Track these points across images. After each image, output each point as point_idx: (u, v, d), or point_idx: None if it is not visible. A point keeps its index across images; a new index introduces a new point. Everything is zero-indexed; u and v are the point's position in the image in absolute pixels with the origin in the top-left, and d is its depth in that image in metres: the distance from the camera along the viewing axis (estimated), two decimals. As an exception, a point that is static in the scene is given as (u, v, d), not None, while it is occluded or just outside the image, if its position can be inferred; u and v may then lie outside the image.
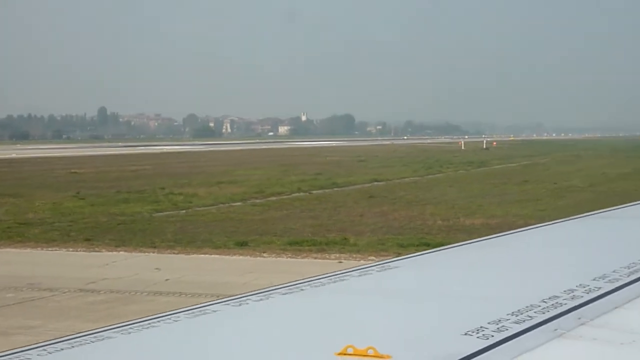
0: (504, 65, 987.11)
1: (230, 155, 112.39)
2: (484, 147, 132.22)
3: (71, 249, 24.80)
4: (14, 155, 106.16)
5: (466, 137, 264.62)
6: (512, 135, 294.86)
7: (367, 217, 32.10)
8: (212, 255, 22.99)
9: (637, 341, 2.85)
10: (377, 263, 4.52)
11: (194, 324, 3.23)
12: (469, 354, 2.59)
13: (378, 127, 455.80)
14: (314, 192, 46.02)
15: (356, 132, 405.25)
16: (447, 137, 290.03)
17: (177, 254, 23.58)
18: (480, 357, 2.59)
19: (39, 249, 25.11)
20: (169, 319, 3.29)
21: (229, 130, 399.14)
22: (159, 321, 3.22)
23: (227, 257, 22.75)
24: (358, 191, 46.97)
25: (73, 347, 2.90)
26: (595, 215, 6.74)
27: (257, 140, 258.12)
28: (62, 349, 2.87)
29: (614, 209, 7.07)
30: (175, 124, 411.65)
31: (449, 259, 4.92)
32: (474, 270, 4.44)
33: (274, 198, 42.06)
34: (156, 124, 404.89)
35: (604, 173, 61.67)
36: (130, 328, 3.12)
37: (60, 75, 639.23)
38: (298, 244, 23.92)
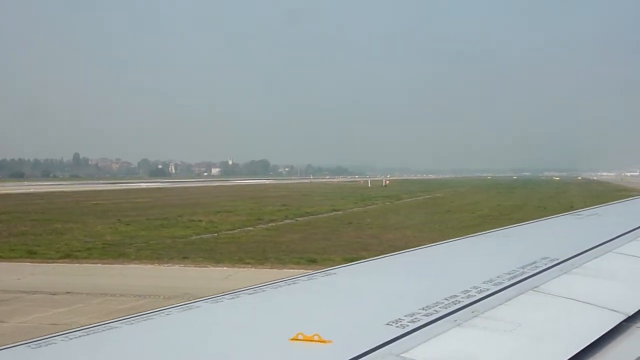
0: (382, 117, 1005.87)
1: (199, 190, 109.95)
2: (384, 184, 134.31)
3: (181, 265, 23.97)
4: (32, 190, 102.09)
5: (357, 176, 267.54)
6: (388, 175, 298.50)
7: (368, 238, 32.34)
8: (300, 270, 22.16)
9: (516, 329, 2.99)
10: (322, 270, 4.55)
11: (180, 319, 3.27)
12: (390, 339, 2.70)
13: (286, 169, 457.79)
14: (298, 219, 46.00)
15: (271, 173, 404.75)
16: (342, 177, 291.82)
17: (271, 268, 22.96)
18: (398, 342, 2.68)
19: (152, 264, 24.17)
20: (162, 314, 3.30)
21: (174, 171, 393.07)
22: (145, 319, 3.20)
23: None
24: (332, 218, 46.95)
25: (74, 338, 2.86)
26: (490, 233, 7.01)
27: (201, 179, 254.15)
28: (80, 336, 2.88)
29: (503, 229, 7.34)
30: (132, 166, 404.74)
31: (379, 267, 5.00)
32: (396, 275, 4.50)
33: (273, 224, 41.94)
34: (117, 166, 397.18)
35: (499, 205, 62.14)
36: (133, 321, 3.13)
37: (39, 124, 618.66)
38: (353, 259, 23.58)
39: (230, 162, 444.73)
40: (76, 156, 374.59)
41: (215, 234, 35.31)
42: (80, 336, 2.88)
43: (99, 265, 24.30)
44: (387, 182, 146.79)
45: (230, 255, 26.03)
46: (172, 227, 38.94)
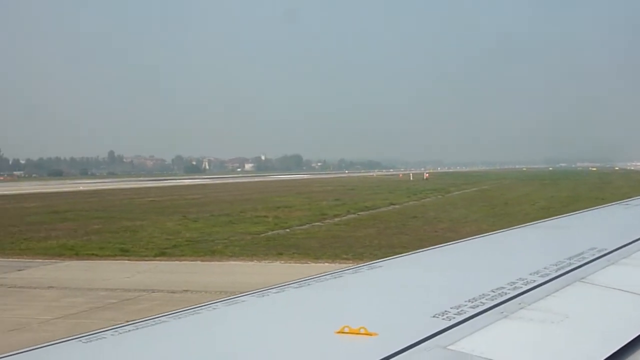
0: (415, 111, 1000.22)
1: (243, 186, 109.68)
2: (424, 177, 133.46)
3: (281, 261, 23.94)
4: (81, 188, 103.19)
5: (391, 170, 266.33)
6: (425, 168, 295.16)
7: (445, 232, 32.00)
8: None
9: (563, 320, 2.97)
10: (367, 263, 4.58)
11: (230, 311, 3.29)
12: (436, 331, 2.69)
13: (319, 163, 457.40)
14: (360, 213, 45.94)
15: (304, 168, 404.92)
16: (377, 171, 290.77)
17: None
18: (445, 334, 2.68)
19: (252, 261, 24.17)
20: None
21: (207, 167, 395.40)
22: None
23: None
24: (394, 212, 46.69)
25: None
26: (536, 224, 6.98)
27: (236, 175, 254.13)
28: (130, 331, 2.90)
29: (549, 220, 7.26)
30: (166, 163, 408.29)
31: (424, 259, 5.02)
32: (442, 268, 4.52)
33: (338, 219, 41.82)
34: (151, 163, 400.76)
35: (552, 196, 61.59)
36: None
37: (74, 123, 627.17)
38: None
39: (263, 158, 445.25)
40: (111, 154, 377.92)
41: (288, 230, 35.30)
42: (129, 330, 2.91)
43: (198, 262, 24.37)
44: (427, 175, 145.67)
45: (321, 250, 25.99)
46: (240, 223, 39.01)
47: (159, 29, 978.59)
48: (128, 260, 25.29)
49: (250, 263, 23.89)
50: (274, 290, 3.69)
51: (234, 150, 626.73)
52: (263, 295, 3.59)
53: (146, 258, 25.48)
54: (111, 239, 32.22)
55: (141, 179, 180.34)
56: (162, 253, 26.50)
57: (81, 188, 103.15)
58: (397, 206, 52.86)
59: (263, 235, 32.91)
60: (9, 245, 30.66)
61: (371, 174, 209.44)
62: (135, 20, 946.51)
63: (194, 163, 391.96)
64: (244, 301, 3.49)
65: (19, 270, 23.47)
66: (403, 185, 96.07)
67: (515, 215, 41.29)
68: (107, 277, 21.70)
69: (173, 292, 18.79)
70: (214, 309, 3.33)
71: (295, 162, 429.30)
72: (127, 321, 3.05)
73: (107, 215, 47.01)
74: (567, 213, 8.28)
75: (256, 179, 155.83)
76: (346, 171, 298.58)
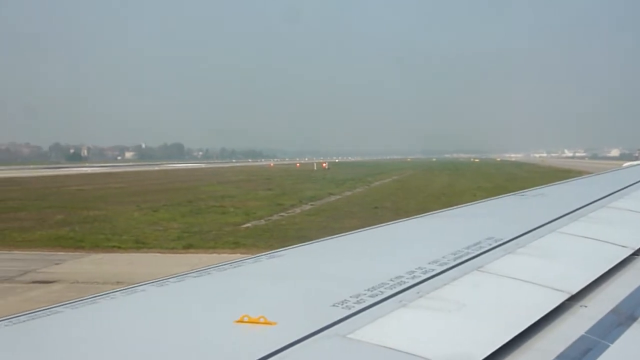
0: (297, 100, 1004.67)
1: (152, 175, 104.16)
2: (323, 167, 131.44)
3: None
4: None
5: (276, 159, 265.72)
6: (304, 158, 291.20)
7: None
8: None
9: (461, 309, 3.02)
10: (267, 253, 4.57)
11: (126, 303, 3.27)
12: (335, 320, 2.72)
13: (200, 152, 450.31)
14: (313, 204, 45.68)
15: (186, 157, 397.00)
16: (264, 160, 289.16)
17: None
18: (344, 323, 2.70)
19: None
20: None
21: (86, 155, 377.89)
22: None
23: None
24: (347, 202, 46.86)
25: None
26: (435, 214, 7.06)
27: (120, 163, 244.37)
28: (25, 321, 2.89)
29: (448, 210, 7.42)
30: (43, 150, 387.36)
31: (325, 248, 4.99)
32: (342, 257, 4.52)
33: (298, 209, 41.78)
34: (28, 150, 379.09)
35: (479, 187, 60.61)
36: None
37: None
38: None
39: (143, 146, 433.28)
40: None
41: (264, 221, 34.86)
42: (23, 321, 2.86)
43: (224, 254, 23.48)
44: (325, 165, 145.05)
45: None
46: (207, 214, 38.27)
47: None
48: (159, 252, 24.26)
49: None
50: (172, 280, 3.67)
51: (113, 138, 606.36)
52: (162, 285, 3.56)
53: (165, 251, 24.57)
54: (101, 229, 30.91)
55: (30, 166, 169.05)
56: (190, 245, 25.70)
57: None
58: (338, 197, 52.83)
59: (241, 226, 32.39)
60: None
61: (267, 163, 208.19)
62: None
63: (72, 151, 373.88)
64: (143, 290, 3.45)
65: (57, 264, 22.05)
66: (317, 175, 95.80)
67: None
68: (166, 271, 20.60)
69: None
70: (112, 298, 3.29)
71: (177, 151, 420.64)
72: (18, 312, 2.99)
73: (58, 205, 44.59)
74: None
75: (154, 168, 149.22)
76: (234, 160, 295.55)
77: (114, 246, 25.41)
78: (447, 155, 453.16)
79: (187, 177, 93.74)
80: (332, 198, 51.29)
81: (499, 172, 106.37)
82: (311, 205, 44.71)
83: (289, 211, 40.28)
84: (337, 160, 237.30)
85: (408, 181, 79.19)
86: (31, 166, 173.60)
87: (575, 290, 3.50)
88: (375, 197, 52.30)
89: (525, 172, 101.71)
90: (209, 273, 3.82)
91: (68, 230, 30.74)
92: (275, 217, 37.05)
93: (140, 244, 25.89)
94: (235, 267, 4.02)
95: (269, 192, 57.52)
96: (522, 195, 8.73)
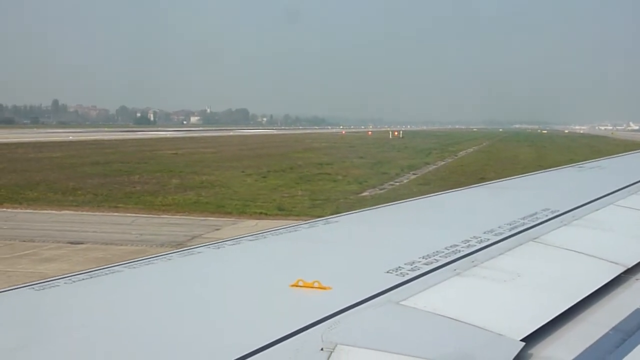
0: (360, 69, 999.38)
1: (235, 140, 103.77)
2: (400, 135, 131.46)
3: None
4: (71, 138, 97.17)
5: (341, 127, 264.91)
6: (367, 126, 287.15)
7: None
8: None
9: (515, 279, 2.99)
10: (323, 219, 4.63)
11: (183, 264, 3.30)
12: (389, 287, 2.70)
13: (264, 118, 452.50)
14: (416, 172, 45.45)
15: (251, 122, 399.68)
16: (331, 127, 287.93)
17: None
18: (398, 290, 2.68)
19: None
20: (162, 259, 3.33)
21: (152, 119, 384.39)
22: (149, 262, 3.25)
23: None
24: (448, 170, 46.04)
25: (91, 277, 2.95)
26: (492, 184, 7.18)
27: (187, 128, 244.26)
28: (83, 279, 2.91)
29: (504, 180, 7.49)
30: (110, 113, 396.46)
31: (380, 216, 5.02)
32: (398, 225, 4.53)
33: (413, 176, 41.77)
34: (95, 112, 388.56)
35: (571, 159, 60.73)
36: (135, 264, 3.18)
37: (13, 71, 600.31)
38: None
39: (208, 111, 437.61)
40: (55, 102, 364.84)
41: (377, 189, 34.60)
42: (83, 279, 2.90)
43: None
44: (397, 133, 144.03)
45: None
46: (320, 182, 38.10)
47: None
48: (308, 219, 24.13)
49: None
50: (229, 243, 3.68)
51: (178, 102, 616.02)
52: (219, 247, 3.57)
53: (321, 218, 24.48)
54: (228, 194, 31.06)
55: (105, 130, 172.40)
56: (333, 213, 25.37)
57: (71, 138, 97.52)
58: (435, 166, 52.55)
59: (365, 194, 32.24)
60: (123, 199, 29.38)
61: (334, 130, 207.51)
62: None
63: (139, 114, 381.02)
64: (200, 252, 3.48)
65: (217, 229, 22.20)
66: (396, 143, 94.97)
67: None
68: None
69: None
70: (169, 259, 3.31)
71: (242, 116, 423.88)
72: (80, 271, 3.02)
73: (164, 169, 44.59)
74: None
75: (229, 133, 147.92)
76: (300, 127, 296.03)
77: (260, 212, 25.41)
78: (513, 126, 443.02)
79: (269, 143, 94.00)
80: (431, 167, 51.03)
81: (577, 144, 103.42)
82: (413, 174, 44.38)
83: (397, 180, 40.04)
84: (403, 129, 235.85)
85: (493, 152, 77.87)
86: (105, 129, 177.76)
87: (631, 263, 3.46)
88: (472, 168, 51.42)
89: (605, 145, 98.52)
90: (264, 237, 3.86)
91: (195, 195, 31.03)
92: (387, 186, 36.87)
93: (283, 211, 25.88)
94: (291, 232, 4.06)
95: (362, 160, 57.25)
96: (580, 167, 8.83)
